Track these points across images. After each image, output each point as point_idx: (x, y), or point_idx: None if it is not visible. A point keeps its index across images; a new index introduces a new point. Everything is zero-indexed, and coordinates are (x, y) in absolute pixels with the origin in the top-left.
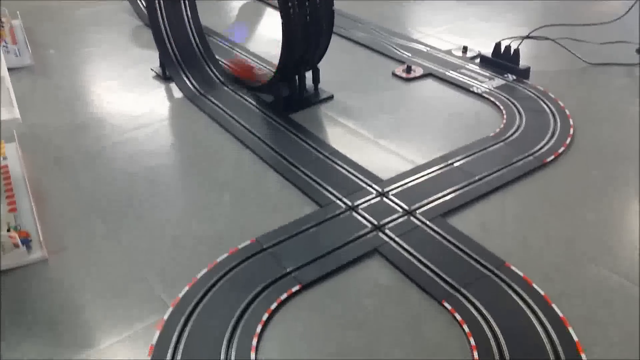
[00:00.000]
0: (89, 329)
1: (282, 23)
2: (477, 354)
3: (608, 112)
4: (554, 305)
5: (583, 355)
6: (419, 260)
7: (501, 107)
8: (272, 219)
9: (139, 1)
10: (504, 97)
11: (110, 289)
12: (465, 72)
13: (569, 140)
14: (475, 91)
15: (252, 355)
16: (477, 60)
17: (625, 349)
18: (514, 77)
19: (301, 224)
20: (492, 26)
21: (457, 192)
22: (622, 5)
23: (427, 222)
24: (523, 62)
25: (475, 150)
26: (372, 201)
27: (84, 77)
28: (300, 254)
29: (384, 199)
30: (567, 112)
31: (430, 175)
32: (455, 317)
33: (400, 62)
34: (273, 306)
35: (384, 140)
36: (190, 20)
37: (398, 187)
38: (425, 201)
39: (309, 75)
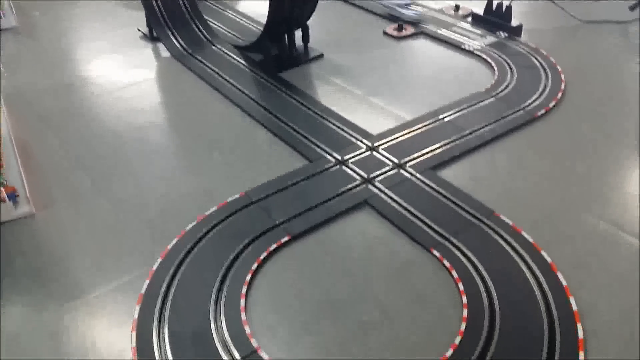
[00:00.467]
0: (78, 280)
1: None
2: (465, 298)
3: (600, 68)
4: (543, 252)
5: (571, 299)
6: (408, 211)
7: (493, 64)
8: (261, 174)
9: None
10: (496, 54)
11: (99, 242)
12: (457, 30)
13: (560, 95)
14: (467, 49)
15: (242, 302)
16: (469, 19)
17: (613, 292)
18: (506, 35)
19: (291, 178)
20: None
21: (448, 146)
22: None
23: (417, 175)
24: (515, 20)
25: (466, 105)
26: (362, 155)
27: (70, 38)
28: (290, 207)
29: (374, 153)
30: (559, 68)
31: (420, 130)
32: (443, 264)
33: (392, 20)
34: (262, 256)
35: (375, 97)
36: None
37: (388, 141)
38: (416, 155)
39: (298, 34)
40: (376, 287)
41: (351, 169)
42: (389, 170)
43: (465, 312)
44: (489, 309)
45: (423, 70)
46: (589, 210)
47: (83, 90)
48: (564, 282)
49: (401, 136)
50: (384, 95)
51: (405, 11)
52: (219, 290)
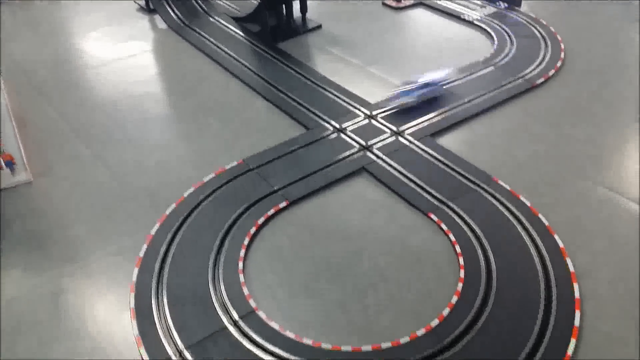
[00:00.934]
0: (77, 244)
1: None
2: (462, 260)
3: (600, 38)
4: (540, 215)
5: (568, 260)
6: (407, 177)
7: (492, 34)
8: (259, 142)
9: None
10: (495, 24)
11: (97, 208)
12: (457, 0)
13: (559, 63)
14: (467, 19)
15: (240, 265)
16: None
17: (609, 254)
18: (506, 5)
19: (289, 146)
20: None
21: (446, 114)
22: None
23: (416, 142)
24: None
25: (465, 74)
26: (360, 123)
27: (67, 11)
28: (288, 173)
29: (373, 121)
30: (559, 37)
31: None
32: (441, 228)
33: None
34: (260, 221)
35: (373, 67)
36: None
37: (387, 110)
38: (414, 122)
39: (296, 5)
40: (374, 250)
41: (349, 137)
42: (387, 137)
43: (462, 274)
44: (486, 270)
45: (422, 40)
46: (587, 175)
47: (79, 62)
48: (561, 245)
49: (400, 105)
50: (382, 64)
51: None
52: (217, 253)
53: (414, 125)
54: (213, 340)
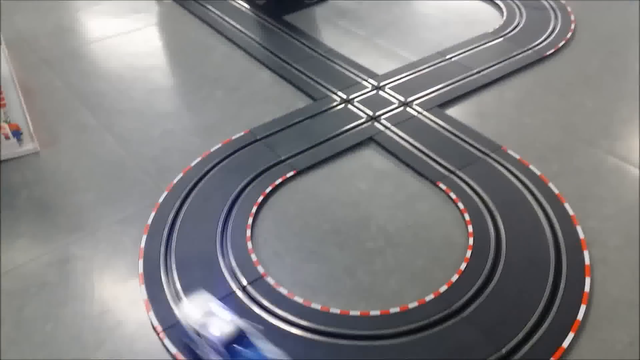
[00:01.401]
0: (84, 213)
1: None
2: (471, 227)
3: (611, 10)
4: (550, 184)
5: (578, 228)
6: (415, 147)
7: (501, 5)
8: (265, 113)
9: None
10: None
11: (104, 177)
12: None
13: (569, 34)
14: None
15: (248, 232)
16: None
17: (619, 221)
18: None
19: (295, 117)
20: None
21: (455, 85)
22: None
23: (424, 112)
24: None
25: (473, 45)
26: (368, 94)
27: None
28: (295, 144)
29: (380, 92)
30: (569, 9)
31: (427, 70)
32: (449, 197)
33: None
34: (268, 190)
35: (380, 38)
36: None
37: (394, 80)
38: (422, 93)
39: None
40: (382, 217)
41: (357, 108)
42: (395, 108)
43: (471, 241)
44: (495, 238)
45: (429, 12)
46: (597, 144)
47: (85, 34)
48: (570, 212)
49: (407, 76)
50: (389, 36)
51: None
52: (225, 221)
53: (423, 96)
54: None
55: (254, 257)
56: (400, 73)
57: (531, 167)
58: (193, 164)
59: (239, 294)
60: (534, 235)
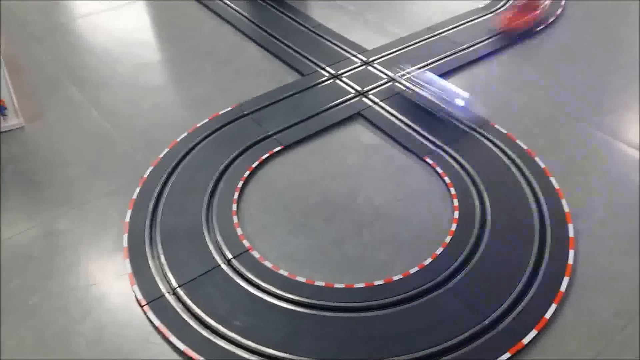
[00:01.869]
0: (70, 187)
1: None
2: (457, 201)
3: None
4: (536, 158)
5: (563, 201)
6: (402, 122)
7: None
8: (253, 87)
9: None
10: None
11: (90, 151)
12: None
13: (560, 10)
14: None
15: (234, 206)
16: None
17: (604, 196)
18: None
19: (283, 92)
20: None
21: (444, 60)
22: None
23: (413, 88)
24: None
25: (464, 20)
26: (357, 70)
27: None
28: (283, 118)
29: (369, 67)
30: None
31: (417, 45)
32: (436, 171)
33: None
34: (254, 164)
35: (370, 13)
36: None
37: (384, 56)
38: (411, 69)
39: None
40: (370, 191)
41: (345, 83)
42: (384, 83)
43: (456, 214)
44: (481, 211)
45: None
46: (585, 119)
47: (72, 9)
48: (556, 186)
49: (397, 51)
50: (379, 11)
51: None
52: (211, 196)
53: (411, 72)
54: (207, 278)
55: (239, 231)
56: (390, 48)
57: (518, 141)
58: (180, 138)
59: (224, 267)
60: (519, 208)
